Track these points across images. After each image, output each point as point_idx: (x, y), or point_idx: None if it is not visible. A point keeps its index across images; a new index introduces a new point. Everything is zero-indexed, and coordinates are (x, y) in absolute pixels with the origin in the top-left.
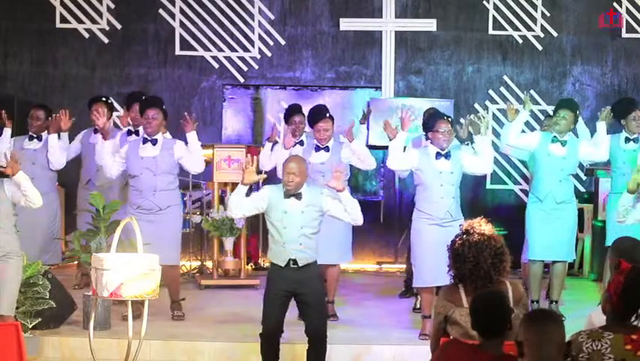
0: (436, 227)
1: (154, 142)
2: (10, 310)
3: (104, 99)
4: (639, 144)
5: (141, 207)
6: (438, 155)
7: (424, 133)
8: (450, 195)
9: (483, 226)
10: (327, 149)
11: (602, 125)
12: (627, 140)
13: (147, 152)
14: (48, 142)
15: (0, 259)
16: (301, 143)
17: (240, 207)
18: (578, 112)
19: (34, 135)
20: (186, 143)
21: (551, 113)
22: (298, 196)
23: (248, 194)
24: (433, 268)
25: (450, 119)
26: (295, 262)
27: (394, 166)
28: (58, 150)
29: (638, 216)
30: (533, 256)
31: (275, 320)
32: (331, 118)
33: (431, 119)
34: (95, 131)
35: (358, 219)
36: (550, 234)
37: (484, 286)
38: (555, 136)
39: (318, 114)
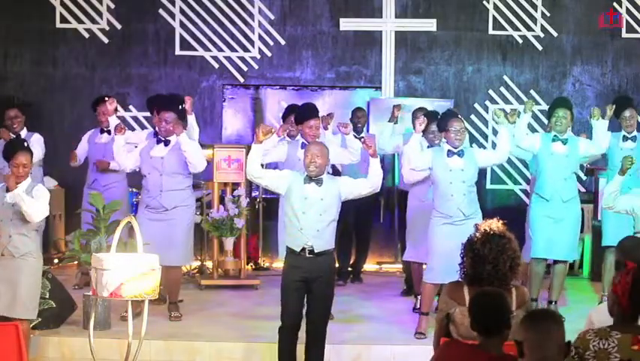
0: (449, 226)
1: (167, 143)
2: (27, 313)
3: (106, 99)
4: (637, 143)
5: (149, 206)
6: (450, 153)
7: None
8: (461, 193)
9: (501, 228)
10: None
11: (597, 124)
12: (625, 138)
13: (157, 152)
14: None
15: (16, 260)
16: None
17: (261, 177)
18: (572, 109)
19: (14, 137)
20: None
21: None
22: (319, 182)
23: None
24: (444, 266)
25: (462, 118)
26: (312, 248)
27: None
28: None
29: (626, 205)
30: (536, 255)
31: (292, 311)
32: (318, 117)
33: (444, 119)
34: (102, 132)
35: (377, 187)
36: (554, 232)
37: (499, 287)
38: (556, 135)
39: (310, 112)
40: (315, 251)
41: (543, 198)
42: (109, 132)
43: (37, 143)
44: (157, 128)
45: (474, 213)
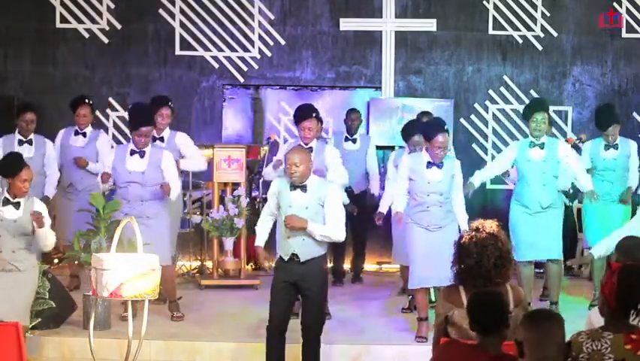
0: (425, 231)
1: (142, 154)
2: (23, 320)
3: (87, 100)
4: (619, 151)
5: (129, 214)
6: (429, 164)
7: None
8: (437, 205)
9: (493, 227)
10: (310, 149)
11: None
12: (607, 147)
13: (135, 165)
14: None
15: (20, 273)
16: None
17: (270, 218)
18: (549, 110)
19: (24, 140)
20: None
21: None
22: (303, 188)
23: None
24: (423, 270)
25: (447, 129)
26: (297, 256)
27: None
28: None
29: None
30: (521, 258)
31: (278, 310)
32: (317, 118)
33: (431, 129)
34: (76, 133)
35: (339, 239)
36: (535, 233)
37: (483, 286)
38: (532, 141)
39: (304, 113)
40: (301, 260)
41: (523, 205)
42: (84, 135)
43: (53, 157)
44: (132, 139)
45: (450, 222)
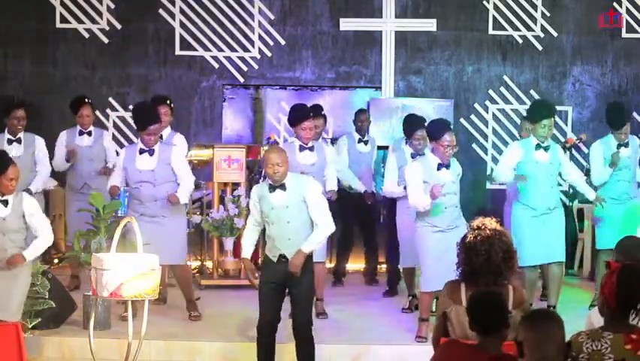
0: (440, 234)
1: (151, 152)
2: (16, 317)
3: (87, 100)
4: (630, 148)
5: (144, 214)
6: (440, 166)
7: (404, 137)
8: (453, 205)
9: (494, 224)
10: (311, 148)
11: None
12: (619, 146)
13: (144, 164)
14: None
15: (12, 270)
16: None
17: (255, 228)
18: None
19: (13, 138)
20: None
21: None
22: (283, 187)
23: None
24: (438, 272)
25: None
26: (284, 256)
27: (419, 205)
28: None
29: None
30: (529, 262)
31: (267, 310)
32: (314, 117)
33: (437, 129)
34: (81, 133)
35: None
36: (543, 238)
37: (494, 282)
38: (538, 143)
39: (302, 113)
40: (289, 259)
41: (530, 207)
42: (89, 133)
43: (44, 153)
44: (141, 139)
45: (462, 222)
